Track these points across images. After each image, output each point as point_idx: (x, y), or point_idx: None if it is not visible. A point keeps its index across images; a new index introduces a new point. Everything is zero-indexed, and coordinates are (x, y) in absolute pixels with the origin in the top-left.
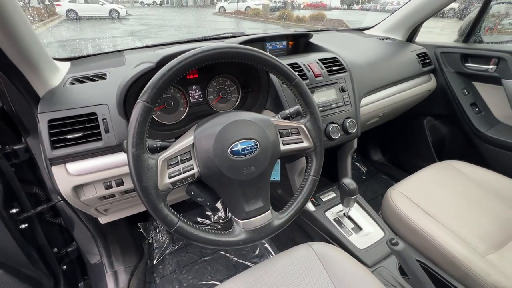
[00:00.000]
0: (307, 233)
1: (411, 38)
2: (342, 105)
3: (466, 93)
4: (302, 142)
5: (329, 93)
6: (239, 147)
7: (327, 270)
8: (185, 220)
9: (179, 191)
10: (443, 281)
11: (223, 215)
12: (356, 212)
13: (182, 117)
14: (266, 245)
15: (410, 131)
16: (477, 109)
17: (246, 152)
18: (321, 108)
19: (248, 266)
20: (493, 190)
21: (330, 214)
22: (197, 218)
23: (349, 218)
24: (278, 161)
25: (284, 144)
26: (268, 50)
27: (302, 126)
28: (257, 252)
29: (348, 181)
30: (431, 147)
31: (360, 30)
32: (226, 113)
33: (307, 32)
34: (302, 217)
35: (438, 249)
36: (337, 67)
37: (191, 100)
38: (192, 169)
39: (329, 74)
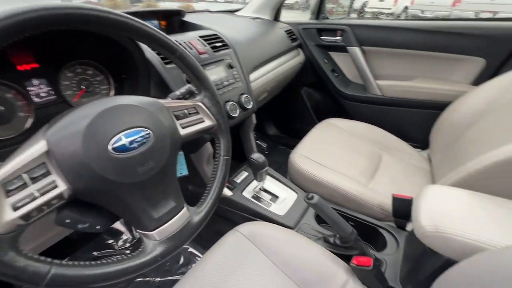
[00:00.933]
0: (230, 219)
1: (276, 17)
2: (234, 82)
3: (326, 61)
4: (204, 121)
5: (218, 70)
6: (124, 140)
7: (259, 247)
8: (63, 262)
9: (47, 225)
10: (349, 216)
11: (129, 236)
12: (270, 183)
13: (28, 126)
14: (190, 249)
15: (293, 101)
16: (336, 74)
17: (136, 145)
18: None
19: (176, 280)
20: (359, 135)
21: (248, 193)
22: (94, 253)
23: (265, 191)
24: (182, 153)
25: (183, 128)
26: None
27: (199, 103)
28: (181, 261)
29: (257, 156)
30: (311, 112)
31: (231, 11)
32: (93, 102)
33: (180, 9)
34: (221, 205)
35: (338, 192)
36: (220, 44)
37: (36, 100)
38: (56, 186)
39: (214, 51)
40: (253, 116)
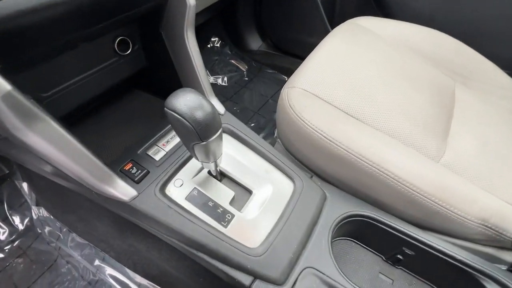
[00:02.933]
0: (146, 234)
1: None
2: None
3: None
4: None
5: None
6: None
7: None
8: None
9: None
10: (404, 238)
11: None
12: (236, 154)
13: None
14: (98, 262)
15: None
16: None
17: None
18: None
19: None
20: (412, 48)
21: (179, 189)
22: None
23: (222, 174)
24: None
25: None
26: None
27: None
28: (89, 276)
29: (188, 100)
30: (321, 11)
31: None
32: None
33: None
34: (119, 211)
35: (381, 181)
36: None
37: None
38: None
39: None
40: None
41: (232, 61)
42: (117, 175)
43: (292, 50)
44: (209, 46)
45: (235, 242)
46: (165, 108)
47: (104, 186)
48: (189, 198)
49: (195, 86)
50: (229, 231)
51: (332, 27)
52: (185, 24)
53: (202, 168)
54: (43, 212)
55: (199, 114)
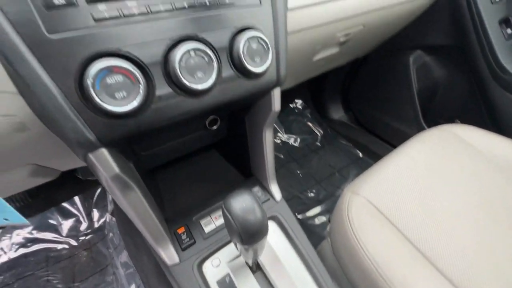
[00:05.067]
0: None
1: None
2: None
3: (496, 0)
4: None
5: None
6: None
7: None
8: None
9: None
10: None
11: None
12: (276, 248)
13: None
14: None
15: (387, 75)
16: (510, 31)
17: None
18: None
19: None
20: None
21: (215, 269)
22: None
23: (258, 267)
24: None
25: None
26: None
27: None
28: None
29: (243, 203)
30: (415, 101)
31: None
32: None
33: None
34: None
35: None
36: None
37: None
38: None
39: None
40: (276, 97)
41: (309, 123)
42: (170, 236)
43: (373, 129)
44: (291, 105)
45: None
46: (223, 205)
47: (155, 245)
48: (220, 283)
49: (261, 169)
50: None
51: (425, 121)
52: (265, 123)
53: (237, 256)
54: (113, 220)
55: (249, 220)
